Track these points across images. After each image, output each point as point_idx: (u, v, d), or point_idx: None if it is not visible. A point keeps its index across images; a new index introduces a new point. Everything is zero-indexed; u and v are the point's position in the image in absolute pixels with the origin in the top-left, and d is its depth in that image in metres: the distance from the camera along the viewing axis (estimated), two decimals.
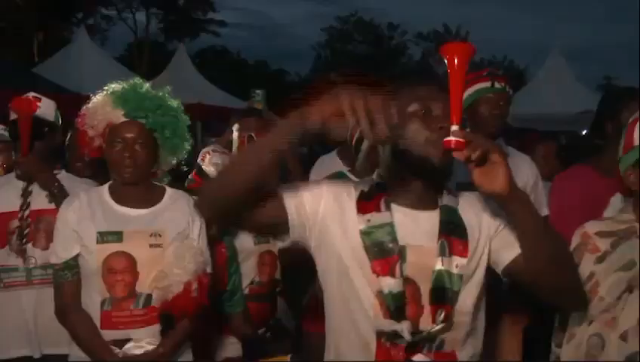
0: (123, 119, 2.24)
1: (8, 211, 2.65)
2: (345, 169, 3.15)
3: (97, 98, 2.28)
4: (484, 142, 1.40)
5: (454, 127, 1.40)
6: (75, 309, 2.25)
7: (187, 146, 2.39)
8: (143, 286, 2.20)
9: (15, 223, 2.64)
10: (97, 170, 2.82)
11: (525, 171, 2.96)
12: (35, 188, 2.70)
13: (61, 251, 2.27)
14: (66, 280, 2.27)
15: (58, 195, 2.60)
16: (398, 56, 41.64)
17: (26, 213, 2.64)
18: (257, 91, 4.03)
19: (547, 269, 1.52)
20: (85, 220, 2.23)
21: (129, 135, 2.23)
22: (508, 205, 1.48)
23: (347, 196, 1.61)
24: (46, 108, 2.76)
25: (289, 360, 2.53)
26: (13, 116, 2.76)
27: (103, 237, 2.20)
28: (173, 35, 34.08)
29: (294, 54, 47.26)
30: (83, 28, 15.10)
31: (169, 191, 2.38)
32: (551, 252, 1.52)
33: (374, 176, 1.67)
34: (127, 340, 2.18)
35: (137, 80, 2.33)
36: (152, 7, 33.68)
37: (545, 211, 2.80)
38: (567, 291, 1.60)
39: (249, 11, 76.44)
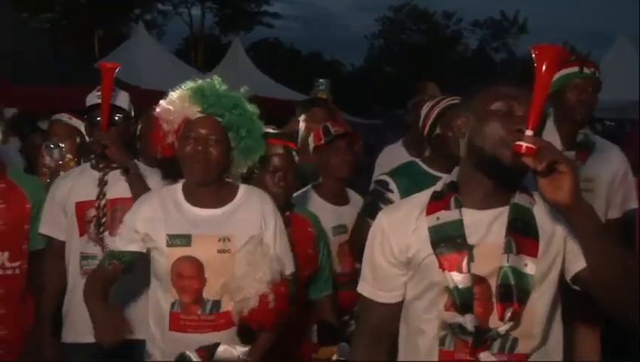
0: (199, 115, 2.20)
1: (86, 200, 2.71)
2: (410, 159, 3.11)
3: (174, 93, 2.24)
4: (554, 153, 1.41)
5: (528, 132, 1.42)
6: (94, 293, 2.26)
7: (262, 150, 2.33)
8: (210, 292, 2.16)
9: (92, 212, 2.70)
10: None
11: (615, 162, 2.86)
12: (110, 177, 2.76)
13: (118, 240, 2.30)
14: (104, 265, 2.29)
15: (134, 175, 2.67)
16: (454, 45, 40.88)
17: (103, 202, 2.70)
18: (321, 80, 3.91)
19: (612, 284, 1.51)
20: (156, 221, 2.21)
21: (203, 130, 2.18)
22: (571, 217, 1.48)
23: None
24: (121, 97, 2.79)
25: (337, 348, 2.50)
26: (90, 102, 2.80)
27: (172, 240, 2.18)
28: (228, 29, 34.40)
29: (348, 45, 47.01)
30: (141, 23, 15.40)
31: (242, 188, 2.32)
32: (616, 267, 1.50)
33: (451, 174, 1.71)
34: (217, 345, 2.14)
35: (215, 78, 2.29)
36: (207, 2, 34.11)
37: (633, 204, 2.69)
38: (633, 307, 1.54)
39: (302, 3, 76.55)
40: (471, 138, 1.60)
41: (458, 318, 1.55)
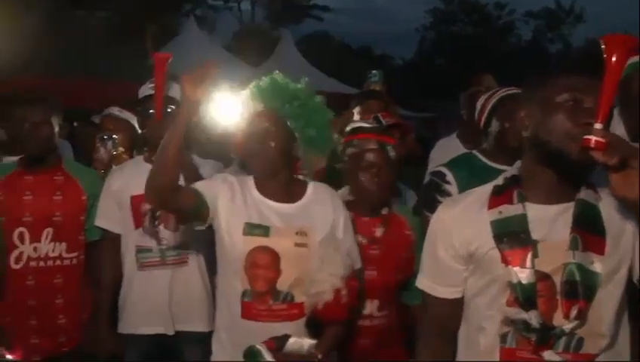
0: (258, 109, 2.23)
1: (141, 194, 2.67)
2: (465, 150, 3.04)
3: (244, 91, 2.29)
4: (625, 147, 1.38)
5: (597, 126, 1.38)
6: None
7: (327, 141, 2.32)
8: (284, 284, 2.18)
9: (147, 206, 2.71)
10: None
11: None
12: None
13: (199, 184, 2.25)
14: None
15: (189, 167, 2.67)
16: (506, 36, 40.08)
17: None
18: (374, 72, 3.88)
19: None
20: (235, 207, 2.21)
21: (261, 124, 2.21)
22: None
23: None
24: (173, 88, 2.81)
25: None
26: (144, 93, 2.83)
27: (251, 229, 2.18)
28: (278, 22, 34.56)
29: (398, 38, 46.63)
30: (192, 18, 15.58)
31: (311, 185, 2.33)
32: None
33: (513, 168, 1.67)
34: (287, 336, 2.14)
35: (276, 73, 2.30)
36: None
37: None
38: None
39: None
40: (535, 131, 1.56)
41: (522, 314, 1.51)
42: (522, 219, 1.56)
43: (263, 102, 2.23)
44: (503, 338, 1.57)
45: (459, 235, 1.64)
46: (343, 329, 2.27)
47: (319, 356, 2.16)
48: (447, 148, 3.44)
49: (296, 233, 2.20)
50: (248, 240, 2.18)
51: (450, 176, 2.68)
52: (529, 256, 1.52)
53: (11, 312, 2.87)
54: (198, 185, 2.25)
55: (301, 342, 2.15)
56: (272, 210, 2.23)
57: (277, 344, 2.13)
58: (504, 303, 1.56)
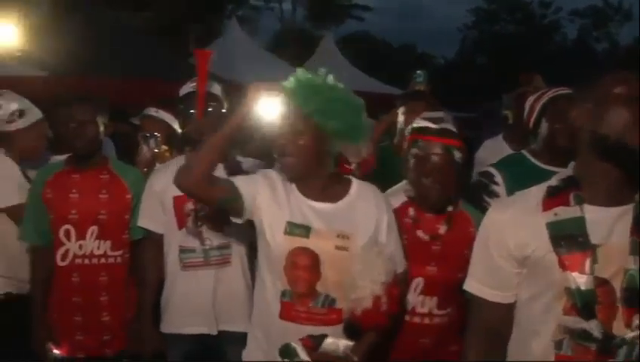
0: (290, 109, 2.17)
1: (183, 194, 2.69)
2: (512, 151, 2.97)
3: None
4: None
5: None
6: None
7: (359, 130, 2.19)
8: (324, 286, 2.14)
9: (190, 206, 2.71)
10: None
11: None
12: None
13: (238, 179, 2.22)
14: None
15: (232, 164, 2.67)
16: (551, 35, 39.29)
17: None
18: (419, 72, 3.82)
19: None
20: (277, 204, 2.17)
21: (289, 122, 2.15)
22: None
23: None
24: (215, 86, 2.80)
25: None
26: (185, 91, 2.82)
27: (292, 228, 2.15)
28: (319, 22, 34.60)
29: (440, 37, 46.20)
30: (234, 19, 15.69)
31: (355, 183, 2.27)
32: None
33: (568, 169, 1.62)
34: (324, 336, 2.12)
35: (301, 70, 2.22)
36: None
37: None
38: None
39: None
40: (593, 127, 1.51)
41: (582, 323, 1.46)
42: (580, 221, 1.50)
43: (290, 98, 2.17)
44: (558, 345, 1.52)
45: (513, 237, 1.58)
46: (380, 336, 2.22)
47: (355, 359, 2.13)
48: (494, 149, 3.39)
49: (338, 236, 2.15)
50: (289, 240, 2.14)
51: (498, 177, 2.64)
52: (588, 261, 1.47)
53: (58, 309, 2.93)
54: (237, 179, 2.22)
55: (337, 342, 2.12)
56: (313, 210, 2.18)
57: (314, 342, 2.11)
58: (561, 310, 1.50)
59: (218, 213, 2.65)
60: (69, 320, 2.89)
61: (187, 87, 2.83)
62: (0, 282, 3.12)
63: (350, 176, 2.30)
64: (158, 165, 3.22)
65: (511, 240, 1.58)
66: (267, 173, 2.27)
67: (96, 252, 2.87)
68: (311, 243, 2.13)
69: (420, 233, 2.38)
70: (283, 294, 2.16)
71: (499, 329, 1.66)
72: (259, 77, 2.57)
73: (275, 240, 2.15)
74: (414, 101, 3.30)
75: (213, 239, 2.71)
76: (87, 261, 2.87)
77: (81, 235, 2.87)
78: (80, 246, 2.87)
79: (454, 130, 2.33)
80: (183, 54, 15.11)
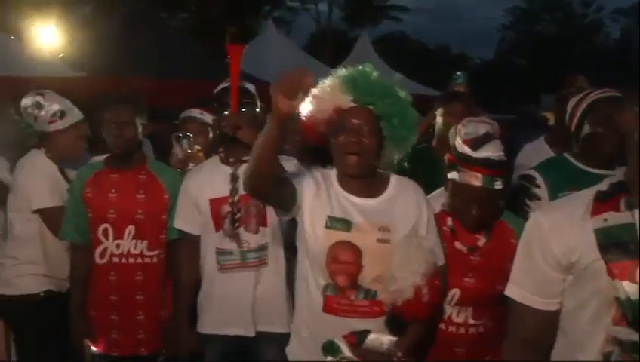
0: (351, 104, 2.15)
1: (219, 197, 2.72)
2: (553, 154, 2.91)
3: (325, 82, 2.20)
4: None
5: None
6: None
7: (413, 140, 2.25)
8: (365, 280, 2.15)
9: (226, 208, 2.70)
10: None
11: None
12: (242, 172, 2.69)
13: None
14: None
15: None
16: (593, 35, 38.50)
17: (236, 198, 2.68)
18: (459, 73, 3.78)
19: None
20: (319, 199, 2.19)
21: (357, 121, 2.14)
22: None
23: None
24: (249, 85, 2.80)
25: None
26: (220, 87, 2.81)
27: (332, 223, 2.16)
28: (355, 23, 34.52)
29: (477, 38, 45.75)
30: (270, 20, 15.74)
31: (394, 178, 2.28)
32: None
33: (618, 173, 1.57)
34: (367, 332, 2.12)
35: (367, 66, 2.22)
36: None
37: None
38: None
39: None
40: None
41: (633, 335, 1.40)
42: (631, 228, 1.44)
43: (354, 96, 2.15)
44: (607, 356, 1.46)
45: (559, 243, 1.53)
46: (425, 328, 2.22)
47: (399, 354, 2.12)
48: (535, 152, 3.31)
49: (379, 229, 2.16)
50: (330, 234, 2.15)
51: (540, 180, 2.60)
52: (639, 269, 1.40)
53: (95, 306, 2.96)
54: (291, 175, 2.25)
55: (381, 338, 2.13)
56: (354, 205, 2.20)
57: (357, 338, 2.12)
58: (610, 321, 1.44)
59: (254, 215, 2.66)
60: (106, 318, 2.93)
61: (222, 85, 2.82)
62: (40, 280, 3.17)
63: (389, 173, 2.30)
64: (191, 166, 3.23)
65: (556, 246, 1.53)
66: (311, 169, 2.28)
67: (133, 251, 2.90)
68: (352, 236, 2.14)
69: (458, 244, 2.33)
70: (326, 288, 2.17)
71: (540, 337, 1.60)
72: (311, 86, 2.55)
73: (317, 235, 2.16)
74: (453, 102, 3.25)
75: (250, 241, 2.70)
76: (124, 260, 2.90)
77: (118, 234, 2.90)
78: (117, 246, 2.90)
79: (498, 155, 2.23)
80: (220, 55, 15.24)
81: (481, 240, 2.33)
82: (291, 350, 2.32)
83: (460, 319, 2.33)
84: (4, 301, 3.21)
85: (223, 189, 2.71)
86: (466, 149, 2.23)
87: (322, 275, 2.16)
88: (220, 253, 2.72)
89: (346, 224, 2.15)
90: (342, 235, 2.15)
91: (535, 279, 1.58)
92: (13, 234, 3.23)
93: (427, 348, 2.34)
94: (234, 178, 2.70)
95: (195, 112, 3.64)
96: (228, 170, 2.73)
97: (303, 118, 2.23)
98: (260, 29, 19.24)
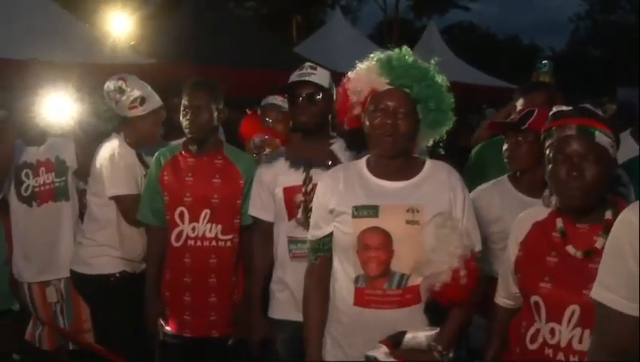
0: (387, 87, 2.12)
1: (293, 185, 2.72)
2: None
3: (362, 65, 2.18)
4: None
5: None
6: (311, 295, 2.30)
7: (449, 123, 2.20)
8: (398, 264, 2.09)
9: (300, 197, 2.69)
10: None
11: None
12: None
13: (312, 227, 2.30)
14: (310, 261, 2.31)
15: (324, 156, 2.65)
16: None
17: (309, 186, 2.67)
18: (544, 62, 3.62)
19: None
20: (342, 195, 2.18)
21: (392, 103, 2.11)
22: None
23: None
24: (322, 75, 2.77)
25: None
26: (291, 80, 2.79)
27: (359, 211, 2.12)
28: (422, 12, 34.04)
29: (549, 28, 44.36)
30: (338, 9, 15.72)
31: (429, 162, 2.23)
32: None
33: None
34: (403, 333, 2.05)
35: (404, 49, 2.18)
36: None
37: None
38: None
39: None
40: None
41: None
42: None
43: (390, 78, 2.11)
44: None
45: None
46: (465, 313, 2.14)
47: (439, 348, 2.05)
48: (620, 147, 3.16)
49: (407, 210, 2.10)
50: (358, 223, 2.11)
51: (625, 178, 2.46)
52: None
53: (169, 288, 3.03)
54: (313, 231, 2.31)
55: (418, 336, 2.05)
56: (383, 189, 2.16)
57: (393, 342, 2.04)
58: None
59: None
60: (179, 299, 2.98)
61: (294, 76, 2.81)
62: (116, 262, 3.26)
63: (425, 157, 2.26)
64: (267, 151, 3.23)
65: None
66: (327, 176, 2.31)
67: (208, 235, 2.94)
68: (381, 222, 2.10)
69: (570, 249, 1.96)
70: (356, 280, 2.13)
71: (628, 345, 1.49)
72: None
73: (345, 227, 2.15)
74: (533, 93, 3.12)
75: None
76: (198, 243, 2.95)
77: (194, 218, 2.94)
78: (193, 229, 2.94)
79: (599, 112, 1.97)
80: (287, 43, 15.33)
81: (599, 241, 1.91)
82: (326, 352, 2.27)
83: (583, 346, 1.89)
84: (81, 279, 3.33)
85: (296, 178, 2.71)
86: (562, 106, 2.05)
87: (353, 266, 2.13)
88: (292, 241, 2.72)
89: (372, 209, 2.11)
90: (370, 221, 2.10)
91: (624, 280, 1.47)
92: (92, 216, 3.33)
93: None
94: (307, 166, 2.70)
95: (277, 99, 3.65)
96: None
97: (338, 100, 2.23)
98: (326, 18, 19.23)
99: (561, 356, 1.92)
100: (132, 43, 8.88)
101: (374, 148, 2.18)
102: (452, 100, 2.20)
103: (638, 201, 1.58)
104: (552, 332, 1.93)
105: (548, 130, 1.99)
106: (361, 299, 2.12)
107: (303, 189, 2.68)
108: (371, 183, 2.18)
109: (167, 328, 3.02)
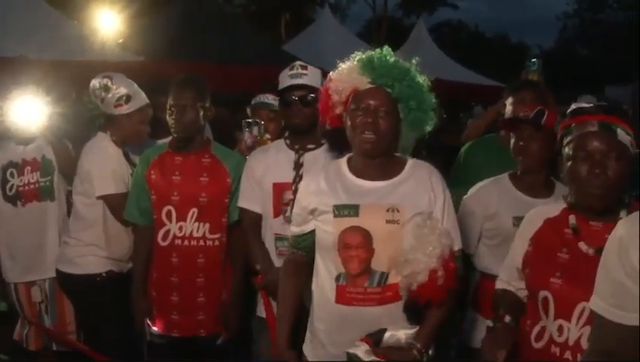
0: (368, 86, 2.12)
1: (283, 182, 2.72)
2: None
3: (344, 65, 2.18)
4: None
5: None
6: (283, 286, 2.34)
7: (430, 123, 2.20)
8: (378, 263, 2.11)
9: (289, 195, 2.68)
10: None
11: None
12: (306, 159, 2.75)
13: (293, 225, 2.33)
14: (290, 255, 2.38)
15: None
16: None
17: (299, 185, 2.64)
18: (533, 60, 3.60)
19: None
20: (322, 194, 2.19)
21: (373, 102, 2.11)
22: None
23: None
24: (313, 76, 2.76)
25: None
26: (283, 84, 2.79)
27: (340, 210, 2.14)
28: (411, 10, 34.08)
29: (537, 26, 44.53)
30: (327, 7, 15.70)
31: (410, 162, 2.24)
32: None
33: None
34: (382, 331, 2.07)
35: (385, 49, 2.19)
36: None
37: None
38: None
39: None
40: None
41: None
42: None
43: (372, 77, 2.12)
44: None
45: (638, 255, 1.41)
46: (443, 313, 2.14)
47: (418, 346, 2.07)
48: None
49: (387, 210, 2.12)
50: (338, 222, 2.13)
51: None
52: None
53: (157, 287, 3.00)
54: (293, 228, 2.33)
55: (397, 334, 2.07)
56: (363, 188, 2.17)
57: (373, 340, 2.06)
58: None
59: None
60: (167, 299, 2.96)
61: (285, 79, 2.78)
62: (102, 262, 3.24)
63: (406, 157, 2.26)
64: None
65: (634, 258, 1.41)
66: (308, 175, 2.36)
67: (196, 234, 2.92)
68: (361, 221, 2.11)
69: (582, 246, 1.91)
70: (337, 278, 2.14)
71: (621, 352, 1.48)
72: None
73: (326, 226, 2.16)
74: (522, 91, 3.13)
75: None
76: (186, 242, 2.93)
77: (181, 217, 2.92)
78: (180, 228, 2.93)
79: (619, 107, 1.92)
80: (276, 41, 15.29)
81: None
82: (307, 347, 2.29)
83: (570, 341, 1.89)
84: (67, 279, 3.30)
85: (287, 175, 2.71)
86: (581, 103, 1.99)
87: (334, 265, 2.15)
88: (279, 238, 2.71)
89: (353, 209, 2.12)
90: (351, 221, 2.12)
91: (616, 290, 1.46)
92: (78, 216, 3.30)
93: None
94: (297, 165, 2.69)
95: (268, 98, 3.62)
96: (293, 155, 2.74)
97: (321, 100, 2.24)
98: (315, 16, 19.21)
99: (568, 354, 1.88)
100: (121, 40, 8.83)
101: (355, 147, 2.19)
102: (433, 100, 2.21)
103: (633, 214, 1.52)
104: (560, 329, 1.90)
105: (566, 127, 1.94)
106: (343, 296, 2.14)
107: (293, 187, 2.66)
108: (351, 183, 2.19)
109: (155, 328, 3.00)
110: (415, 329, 2.10)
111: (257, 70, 7.93)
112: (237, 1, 28.00)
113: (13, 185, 3.52)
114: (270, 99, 3.57)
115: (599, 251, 1.79)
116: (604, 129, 1.84)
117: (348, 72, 2.15)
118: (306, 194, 2.24)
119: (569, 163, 1.89)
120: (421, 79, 2.18)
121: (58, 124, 3.45)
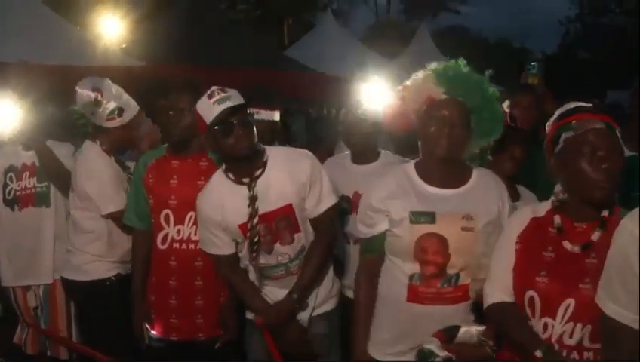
0: (443, 96, 2.23)
1: (246, 222, 2.61)
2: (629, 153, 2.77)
3: (419, 74, 2.30)
4: None
5: None
6: (362, 291, 2.40)
7: (499, 132, 2.31)
8: (452, 267, 2.22)
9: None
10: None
11: None
12: (259, 188, 2.60)
13: (363, 227, 2.40)
14: (365, 258, 2.44)
15: None
16: None
17: (255, 221, 2.57)
18: (533, 63, 3.63)
19: None
20: (396, 199, 2.28)
21: (448, 112, 2.21)
22: None
23: None
24: (234, 94, 2.58)
25: None
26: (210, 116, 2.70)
27: (416, 217, 2.23)
28: (414, 15, 34.12)
29: (539, 31, 44.51)
30: (329, 12, 15.72)
31: (476, 170, 2.35)
32: None
33: None
34: (457, 327, 2.12)
35: (460, 61, 2.30)
36: None
37: None
38: None
39: None
40: None
41: None
42: None
43: (446, 88, 2.22)
44: None
45: None
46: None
47: (490, 343, 2.10)
48: None
49: (463, 218, 2.21)
50: (415, 229, 2.22)
51: None
52: None
53: (155, 291, 3.00)
54: (364, 230, 2.40)
55: (470, 330, 2.12)
56: (437, 196, 2.26)
57: (446, 335, 2.11)
58: None
59: (285, 227, 2.62)
60: (165, 302, 2.96)
61: (210, 108, 2.52)
62: (109, 266, 3.26)
63: (472, 165, 2.35)
64: None
65: None
66: (379, 178, 2.40)
67: (193, 237, 2.91)
68: (437, 228, 2.21)
69: (566, 244, 1.94)
70: (412, 277, 2.24)
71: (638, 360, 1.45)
72: (352, 69, 2.54)
73: (401, 232, 2.25)
74: (520, 95, 3.13)
75: (289, 252, 2.66)
76: (184, 246, 2.92)
77: (179, 220, 2.92)
78: (178, 231, 2.92)
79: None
80: (278, 46, 15.33)
81: (595, 235, 1.91)
82: (372, 350, 2.36)
83: (573, 341, 1.90)
84: (74, 286, 3.31)
85: (244, 213, 2.58)
86: (578, 103, 2.03)
87: (410, 266, 2.24)
88: (262, 268, 2.69)
89: (430, 216, 2.21)
90: (427, 228, 2.21)
91: (631, 294, 1.43)
92: (81, 229, 3.29)
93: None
94: (252, 200, 2.56)
95: (262, 114, 3.58)
96: (244, 190, 2.59)
97: (394, 107, 2.34)
98: (317, 21, 19.24)
99: None
100: (124, 46, 8.87)
101: (429, 155, 2.27)
102: (501, 110, 2.33)
103: (637, 209, 1.53)
104: (545, 327, 1.94)
105: (565, 124, 1.94)
106: (415, 295, 2.25)
107: (249, 225, 2.58)
108: (424, 189, 2.28)
109: (153, 332, 3.00)
110: (484, 327, 2.14)
111: (260, 75, 7.95)
112: (239, 6, 28.07)
113: (11, 189, 3.53)
114: (253, 112, 3.52)
115: (586, 248, 1.89)
116: (609, 127, 1.89)
117: (423, 82, 2.26)
118: (377, 198, 2.32)
119: (570, 158, 1.89)
120: (492, 90, 2.29)
121: (54, 129, 3.46)
